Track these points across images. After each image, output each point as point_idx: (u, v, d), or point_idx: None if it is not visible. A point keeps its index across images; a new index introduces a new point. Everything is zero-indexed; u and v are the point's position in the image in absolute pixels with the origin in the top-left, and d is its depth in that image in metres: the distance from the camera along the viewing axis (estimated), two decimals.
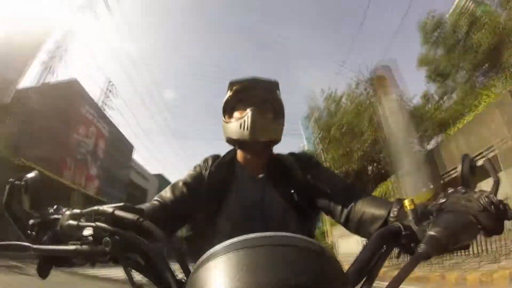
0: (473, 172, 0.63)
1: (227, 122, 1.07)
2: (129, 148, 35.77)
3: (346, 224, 0.96)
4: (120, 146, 32.65)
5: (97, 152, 27.90)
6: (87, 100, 25.65)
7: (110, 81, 31.80)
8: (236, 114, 1.04)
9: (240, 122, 1.00)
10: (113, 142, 30.94)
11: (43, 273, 0.57)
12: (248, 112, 0.99)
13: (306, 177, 1.02)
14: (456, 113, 13.79)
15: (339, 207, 0.95)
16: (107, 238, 0.59)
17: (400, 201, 0.72)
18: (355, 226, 0.94)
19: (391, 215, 0.74)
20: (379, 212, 0.81)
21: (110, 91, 31.47)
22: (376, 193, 14.03)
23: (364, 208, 0.88)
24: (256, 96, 1.04)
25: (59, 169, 21.44)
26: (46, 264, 0.57)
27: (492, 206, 0.57)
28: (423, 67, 16.60)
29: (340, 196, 0.95)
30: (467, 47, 14.17)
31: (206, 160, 1.10)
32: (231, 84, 1.07)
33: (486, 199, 0.58)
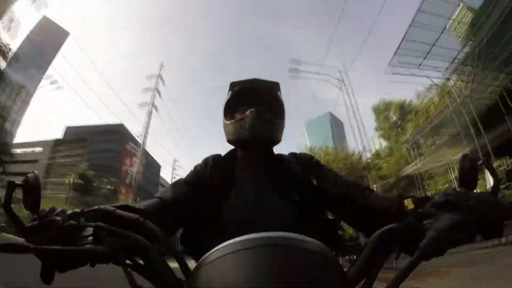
0: (473, 172, 0.62)
1: (228, 123, 1.07)
2: (157, 167, 45.60)
3: (351, 222, 0.97)
4: (151, 168, 42.40)
5: (137, 176, 36.41)
6: (130, 138, 33.54)
7: (175, 159, 42.40)
8: (237, 115, 1.05)
9: (241, 123, 1.01)
10: (147, 166, 39.96)
11: (47, 278, 0.57)
12: (249, 112, 0.99)
13: (307, 177, 1.02)
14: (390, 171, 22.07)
15: (344, 206, 0.95)
16: (108, 238, 0.60)
17: (400, 200, 0.70)
18: (359, 224, 0.94)
19: (392, 214, 0.73)
20: (382, 210, 0.81)
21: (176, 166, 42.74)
22: None
23: (367, 206, 0.88)
24: (257, 97, 1.04)
25: (115, 193, 30.02)
26: (50, 268, 0.57)
27: (492, 207, 0.57)
28: (378, 131, 26.03)
29: (344, 194, 0.95)
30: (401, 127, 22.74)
31: (206, 160, 1.10)
32: (232, 85, 1.08)
33: (486, 199, 0.58)
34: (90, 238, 0.59)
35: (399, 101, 22.78)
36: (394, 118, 22.98)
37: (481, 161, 0.62)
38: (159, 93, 34.69)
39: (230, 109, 1.09)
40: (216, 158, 1.11)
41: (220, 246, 0.53)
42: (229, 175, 1.04)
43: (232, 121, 1.05)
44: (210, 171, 1.05)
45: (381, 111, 23.60)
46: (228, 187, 1.00)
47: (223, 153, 1.15)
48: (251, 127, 0.99)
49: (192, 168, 1.11)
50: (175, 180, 1.07)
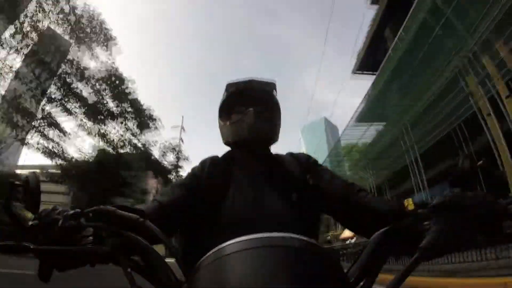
0: (473, 173, 0.62)
1: (225, 124, 1.07)
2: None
3: (346, 223, 0.97)
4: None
5: (157, 190, 40.74)
6: (155, 162, 34.68)
7: None
8: (235, 116, 1.04)
9: (239, 123, 1.01)
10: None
11: (44, 276, 0.56)
12: (248, 113, 0.99)
13: (305, 177, 1.02)
14: None
15: (339, 206, 0.95)
16: (108, 239, 0.60)
17: (400, 201, 0.71)
18: (355, 225, 0.95)
19: (392, 215, 0.73)
20: (379, 211, 0.81)
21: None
22: None
23: (364, 208, 0.88)
24: (254, 97, 1.04)
25: None
26: (49, 268, 0.56)
27: (491, 207, 0.57)
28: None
29: (340, 195, 0.94)
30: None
31: (204, 162, 1.09)
32: (229, 86, 1.06)
33: (485, 200, 0.58)
34: (90, 238, 0.59)
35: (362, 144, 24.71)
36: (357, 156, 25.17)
37: (481, 162, 0.63)
38: (182, 141, 38.57)
39: (226, 110, 1.08)
40: (213, 159, 1.10)
41: (220, 247, 0.52)
42: (227, 175, 1.03)
43: (230, 122, 1.05)
44: (208, 173, 1.04)
45: (348, 150, 25.67)
46: (226, 188, 0.99)
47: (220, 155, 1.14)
48: (251, 127, 0.99)
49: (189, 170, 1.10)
50: (173, 182, 1.06)
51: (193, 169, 1.09)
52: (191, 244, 0.94)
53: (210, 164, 1.07)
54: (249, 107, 1.00)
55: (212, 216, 0.93)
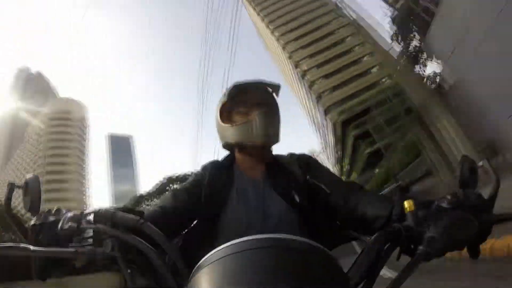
0: (472, 173, 0.62)
1: (227, 125, 1.03)
2: None
3: (347, 223, 0.96)
4: None
5: None
6: None
7: None
8: (238, 117, 1.02)
9: (247, 125, 0.97)
10: None
11: (42, 274, 0.57)
12: (257, 115, 0.96)
13: (306, 177, 1.01)
14: None
15: (340, 207, 0.93)
16: (108, 240, 0.60)
17: (400, 201, 0.70)
18: (356, 225, 0.93)
19: (392, 216, 0.72)
20: (380, 212, 0.79)
21: None
22: None
23: (365, 207, 0.86)
24: (260, 99, 1.01)
25: None
26: (46, 266, 0.57)
27: (488, 208, 0.59)
28: None
29: (340, 195, 0.93)
30: None
31: (205, 167, 1.08)
32: (231, 86, 1.03)
33: (484, 201, 0.59)
34: (90, 240, 0.60)
35: None
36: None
37: (481, 163, 0.63)
38: None
39: (226, 111, 1.05)
40: (214, 164, 1.09)
41: (220, 247, 0.52)
42: (229, 179, 1.02)
43: (233, 123, 1.02)
44: (209, 178, 1.02)
45: None
46: (228, 192, 0.98)
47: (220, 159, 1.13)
48: (262, 129, 0.95)
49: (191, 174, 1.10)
50: (175, 188, 1.06)
51: (194, 175, 1.08)
52: (193, 248, 0.94)
53: (212, 169, 1.05)
54: (256, 108, 0.98)
55: (214, 219, 0.94)
